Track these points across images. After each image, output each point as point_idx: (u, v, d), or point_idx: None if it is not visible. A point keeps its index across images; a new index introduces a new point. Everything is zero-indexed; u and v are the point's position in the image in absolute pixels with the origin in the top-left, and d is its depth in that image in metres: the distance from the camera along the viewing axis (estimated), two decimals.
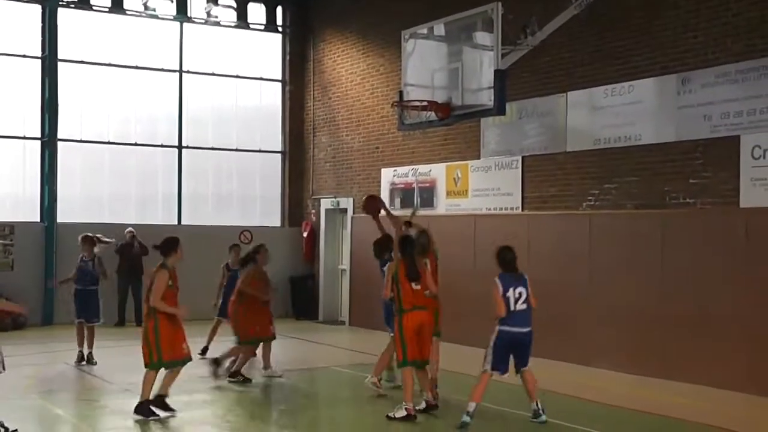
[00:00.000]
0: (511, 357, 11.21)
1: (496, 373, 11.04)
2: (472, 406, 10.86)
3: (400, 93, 16.68)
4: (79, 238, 16.69)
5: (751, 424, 11.63)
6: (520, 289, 11.08)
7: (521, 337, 11.11)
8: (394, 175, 21.19)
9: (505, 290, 10.99)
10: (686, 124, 14.68)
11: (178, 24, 23.68)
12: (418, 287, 11.74)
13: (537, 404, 11.31)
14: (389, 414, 11.49)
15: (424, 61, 16.37)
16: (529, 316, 11.20)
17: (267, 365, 14.56)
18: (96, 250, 16.46)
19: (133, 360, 16.37)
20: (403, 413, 11.36)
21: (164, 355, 11.35)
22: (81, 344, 15.99)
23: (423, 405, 11.76)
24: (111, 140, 23.09)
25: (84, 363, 15.75)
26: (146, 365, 11.48)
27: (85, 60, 22.70)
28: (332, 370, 15.53)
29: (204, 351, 16.26)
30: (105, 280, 16.50)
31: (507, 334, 11.02)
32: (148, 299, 11.48)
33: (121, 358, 16.55)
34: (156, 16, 23.40)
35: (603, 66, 16.15)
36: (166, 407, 11.51)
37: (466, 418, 10.80)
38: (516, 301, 11.01)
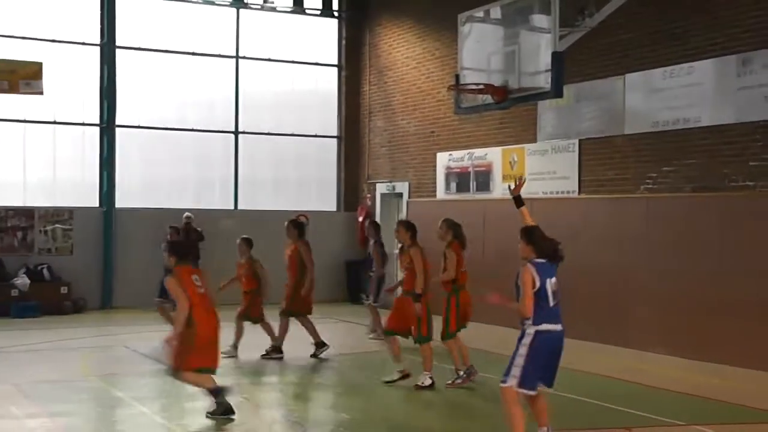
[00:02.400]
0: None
1: (526, 391, 8.47)
2: None
3: (456, 77, 16.60)
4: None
5: None
6: (554, 279, 8.54)
7: (561, 337, 8.57)
8: (449, 159, 21.12)
9: (543, 282, 8.43)
10: (746, 105, 14.45)
11: (234, 10, 23.79)
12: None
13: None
14: (416, 383, 12.44)
15: (481, 45, 16.29)
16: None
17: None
18: None
19: None
20: (429, 381, 12.45)
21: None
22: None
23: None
24: (168, 126, 23.28)
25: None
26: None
27: (142, 47, 22.89)
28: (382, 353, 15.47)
29: None
30: None
31: (547, 336, 8.46)
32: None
33: None
34: (213, 2, 23.55)
35: (661, 47, 15.95)
36: None
37: None
38: (554, 294, 8.48)
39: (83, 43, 22.25)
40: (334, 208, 25.15)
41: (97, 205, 22.24)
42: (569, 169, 17.70)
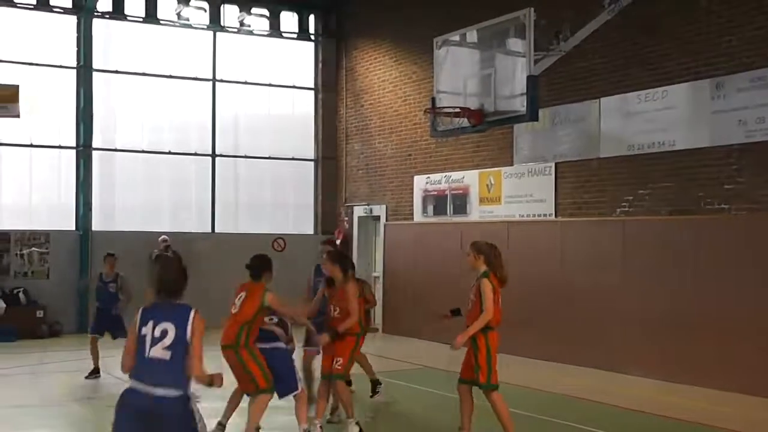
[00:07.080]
0: None
1: None
2: None
3: (433, 100, 16.63)
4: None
5: None
6: (165, 325, 6.51)
7: (148, 406, 6.42)
8: (426, 182, 21.18)
9: (142, 325, 6.56)
10: (720, 129, 14.59)
11: (211, 33, 23.83)
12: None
13: None
14: None
15: (457, 68, 16.34)
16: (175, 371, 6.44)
17: None
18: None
19: None
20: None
21: None
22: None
23: None
24: (145, 149, 23.26)
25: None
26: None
27: (119, 69, 22.89)
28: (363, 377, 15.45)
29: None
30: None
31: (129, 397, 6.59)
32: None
33: None
34: (189, 26, 23.56)
35: (636, 71, 16.09)
36: None
37: None
38: (153, 342, 6.47)
39: (60, 66, 22.20)
40: (311, 231, 25.14)
41: (74, 228, 22.14)
42: (546, 191, 17.79)
